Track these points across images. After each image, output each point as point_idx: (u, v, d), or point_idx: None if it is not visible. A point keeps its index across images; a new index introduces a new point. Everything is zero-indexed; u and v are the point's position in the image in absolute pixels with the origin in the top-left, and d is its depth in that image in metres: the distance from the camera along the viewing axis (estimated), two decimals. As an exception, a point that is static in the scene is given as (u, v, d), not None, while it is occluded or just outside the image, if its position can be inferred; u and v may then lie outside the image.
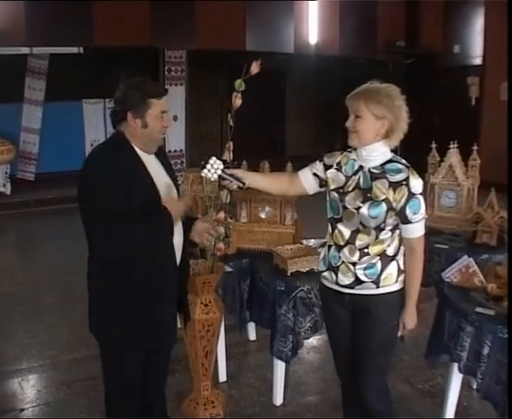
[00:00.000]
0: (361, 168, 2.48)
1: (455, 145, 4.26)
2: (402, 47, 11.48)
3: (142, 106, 2.37)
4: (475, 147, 4.29)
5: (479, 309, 2.92)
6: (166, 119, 2.46)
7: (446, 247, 4.00)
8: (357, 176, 2.48)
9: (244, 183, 2.53)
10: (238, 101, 2.60)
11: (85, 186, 2.36)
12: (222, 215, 2.73)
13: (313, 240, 3.84)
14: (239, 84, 2.57)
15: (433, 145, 4.43)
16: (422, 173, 4.47)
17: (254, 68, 2.56)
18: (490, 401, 2.80)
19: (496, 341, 2.73)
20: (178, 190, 2.63)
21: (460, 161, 4.28)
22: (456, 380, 3.19)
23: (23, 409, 3.54)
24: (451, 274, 3.29)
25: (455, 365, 3.04)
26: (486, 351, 2.77)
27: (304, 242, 3.78)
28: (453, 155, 4.27)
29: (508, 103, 8.27)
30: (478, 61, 10.81)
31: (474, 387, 3.35)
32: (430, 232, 4.24)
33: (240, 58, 9.01)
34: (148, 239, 2.40)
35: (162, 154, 2.61)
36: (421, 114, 11.56)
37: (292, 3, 10.37)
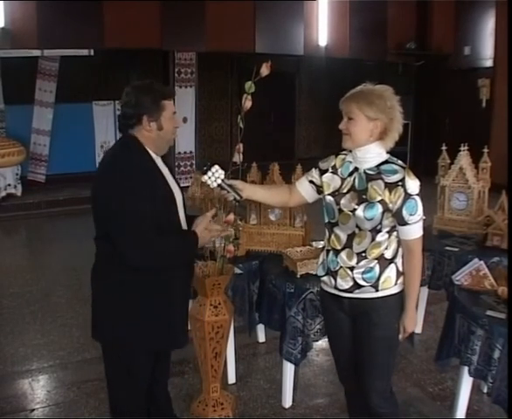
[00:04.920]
0: (356, 169, 2.48)
1: (466, 147, 4.23)
2: (412, 49, 11.45)
3: (157, 109, 2.39)
4: (486, 150, 4.26)
5: (490, 312, 2.91)
6: (177, 119, 2.51)
7: (457, 250, 3.99)
8: (352, 178, 2.47)
9: (241, 197, 2.55)
10: (248, 103, 2.60)
11: (113, 189, 2.31)
12: (232, 217, 2.73)
13: (322, 242, 3.82)
14: (249, 86, 2.57)
15: (444, 147, 4.41)
16: (432, 175, 4.48)
17: (264, 70, 2.55)
18: (501, 405, 2.79)
19: (507, 345, 2.71)
20: (183, 193, 2.64)
21: (471, 164, 4.26)
22: (466, 383, 3.18)
23: (33, 410, 3.56)
24: (461, 277, 3.28)
25: (466, 368, 3.03)
26: (497, 355, 2.76)
27: (314, 244, 3.77)
28: (464, 158, 4.24)
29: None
30: (489, 63, 10.75)
31: (485, 390, 3.33)
32: (440, 235, 4.25)
33: (250, 59, 9.04)
34: (177, 256, 2.48)
35: (165, 157, 2.64)
36: (432, 116, 11.58)
37: (302, 5, 10.37)
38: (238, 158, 2.66)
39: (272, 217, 3.87)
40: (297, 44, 10.47)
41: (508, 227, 3.82)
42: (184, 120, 9.74)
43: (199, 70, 9.89)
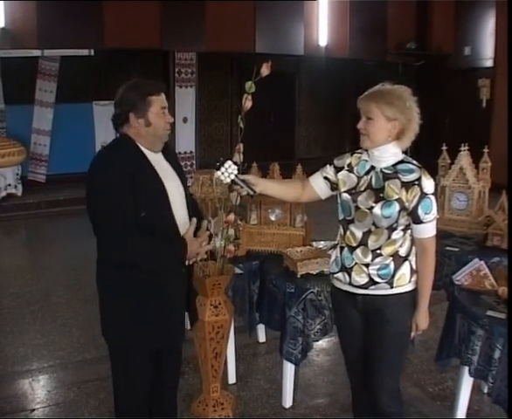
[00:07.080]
0: (372, 168, 2.49)
1: (466, 147, 4.24)
2: (412, 49, 11.45)
3: (143, 105, 2.39)
4: (486, 150, 4.26)
5: (490, 312, 2.91)
6: (168, 114, 2.48)
7: (457, 250, 3.98)
8: (369, 176, 2.49)
9: (254, 192, 2.56)
10: (248, 103, 2.60)
11: (93, 188, 2.38)
12: (232, 217, 2.73)
13: (323, 242, 3.83)
14: (250, 86, 2.56)
15: (444, 147, 4.41)
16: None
17: (265, 70, 2.55)
18: (501, 405, 2.79)
19: (507, 345, 2.71)
20: (186, 191, 2.64)
21: (471, 164, 4.26)
22: (467, 383, 3.18)
23: (33, 410, 3.56)
24: (461, 277, 3.28)
25: (466, 368, 3.03)
26: (497, 355, 2.76)
27: (314, 244, 3.78)
28: (464, 158, 4.24)
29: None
30: (489, 63, 10.75)
31: (485, 390, 3.33)
32: (440, 235, 4.24)
33: (250, 59, 9.04)
34: (156, 260, 2.42)
35: (170, 154, 2.62)
36: (432, 116, 11.53)
37: (302, 5, 10.37)
38: (238, 158, 2.66)
39: (272, 217, 3.87)
40: (297, 44, 10.47)
41: (508, 227, 3.82)
42: (184, 120, 9.74)
43: (199, 70, 9.88)
